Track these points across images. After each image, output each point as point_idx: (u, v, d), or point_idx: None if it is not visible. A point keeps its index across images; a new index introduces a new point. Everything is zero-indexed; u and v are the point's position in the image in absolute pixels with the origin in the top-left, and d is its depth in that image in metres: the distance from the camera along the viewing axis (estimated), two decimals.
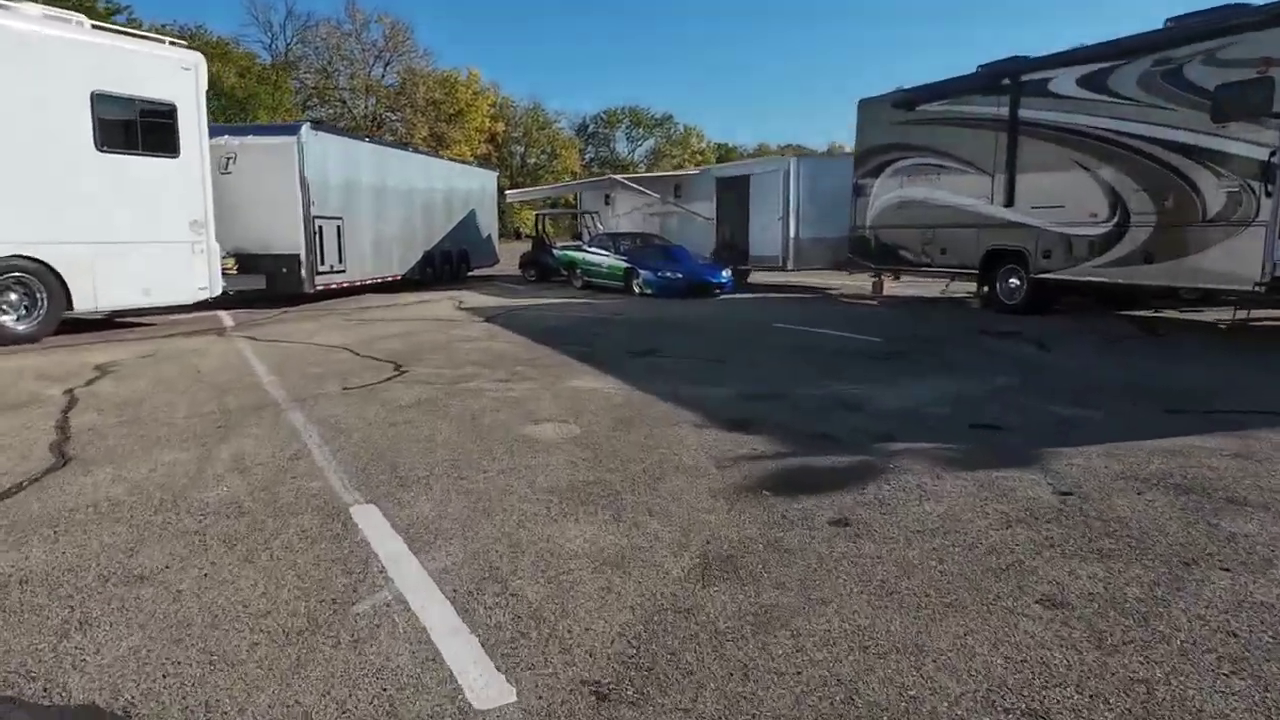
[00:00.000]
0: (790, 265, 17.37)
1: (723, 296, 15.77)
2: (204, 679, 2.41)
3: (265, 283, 13.97)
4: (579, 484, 4.21)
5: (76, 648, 2.58)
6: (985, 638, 2.61)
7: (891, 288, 16.43)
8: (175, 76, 10.90)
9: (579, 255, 18.34)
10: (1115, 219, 10.32)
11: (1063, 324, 10.81)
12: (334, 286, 15.13)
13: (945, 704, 2.26)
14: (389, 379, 7.17)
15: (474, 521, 3.68)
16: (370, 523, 3.66)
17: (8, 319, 9.50)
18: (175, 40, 11.32)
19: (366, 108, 56.97)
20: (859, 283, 18.08)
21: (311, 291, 14.40)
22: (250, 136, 14.54)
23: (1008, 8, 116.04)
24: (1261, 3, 8.87)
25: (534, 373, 7.44)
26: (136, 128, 10.55)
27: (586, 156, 79.12)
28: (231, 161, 13.91)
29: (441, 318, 12.38)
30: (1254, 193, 8.73)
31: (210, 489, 4.17)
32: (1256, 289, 8.77)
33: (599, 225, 22.42)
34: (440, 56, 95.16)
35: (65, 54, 9.69)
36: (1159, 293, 11.31)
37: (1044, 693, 2.31)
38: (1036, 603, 2.85)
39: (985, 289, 12.87)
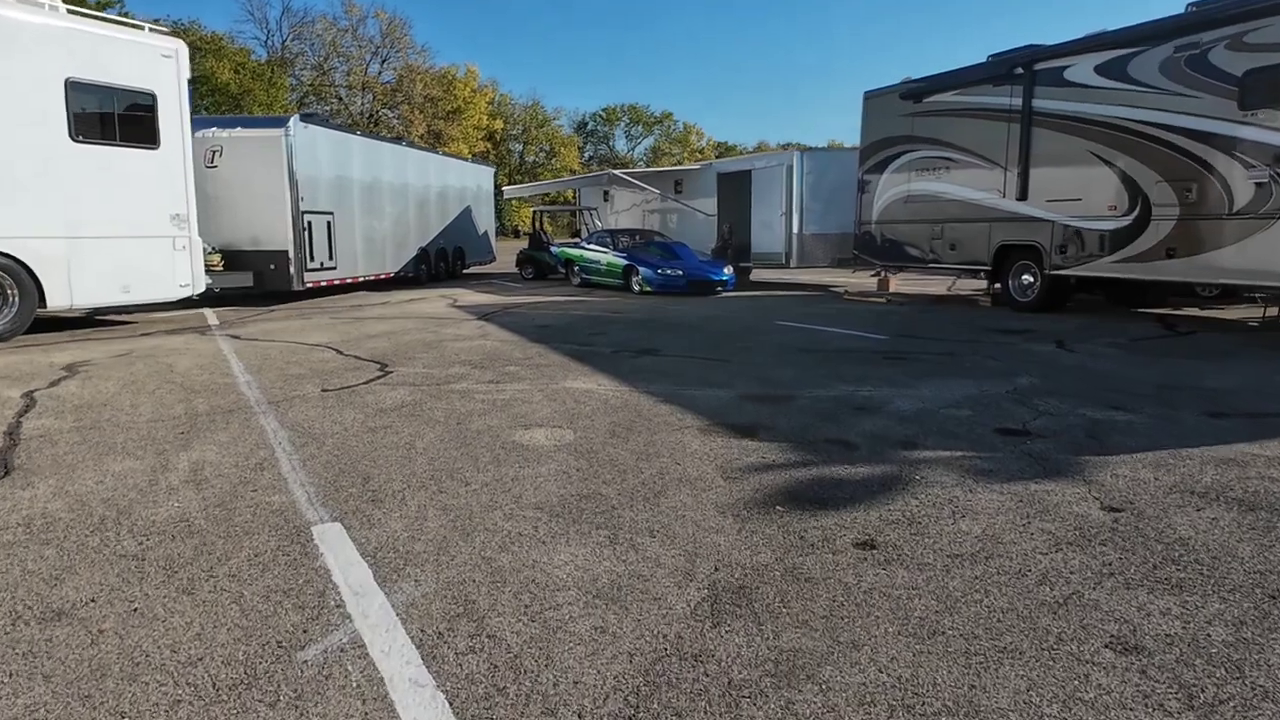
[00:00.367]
0: (793, 262, 16.93)
1: (724, 294, 15.34)
2: None
3: (253, 280, 13.56)
4: (571, 498, 3.78)
5: None
6: (1052, 693, 2.18)
7: (897, 285, 15.99)
8: (155, 64, 10.46)
9: (577, 252, 17.90)
10: (1136, 212, 9.88)
11: (1080, 322, 10.37)
12: (324, 284, 14.68)
13: None
14: (372, 380, 6.74)
15: (451, 543, 3.25)
16: (333, 545, 3.23)
17: None
18: (155, 27, 10.87)
19: (363, 105, 56.49)
20: (862, 280, 17.66)
21: (301, 289, 13.96)
22: (238, 129, 14.08)
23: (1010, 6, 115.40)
24: None
25: (527, 373, 7.01)
26: (114, 117, 10.11)
27: (585, 154, 78.67)
28: (218, 154, 13.49)
29: (433, 316, 11.95)
30: None
31: (160, 504, 3.74)
32: None
33: (597, 222, 21.97)
34: (438, 53, 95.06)
35: (38, 40, 9.25)
36: (1176, 289, 10.92)
37: None
38: (1106, 647, 2.42)
39: (996, 286, 12.43)
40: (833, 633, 2.52)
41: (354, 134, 17.09)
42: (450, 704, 2.16)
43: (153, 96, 10.37)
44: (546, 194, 30.61)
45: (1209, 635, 2.48)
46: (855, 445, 4.66)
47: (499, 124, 65.51)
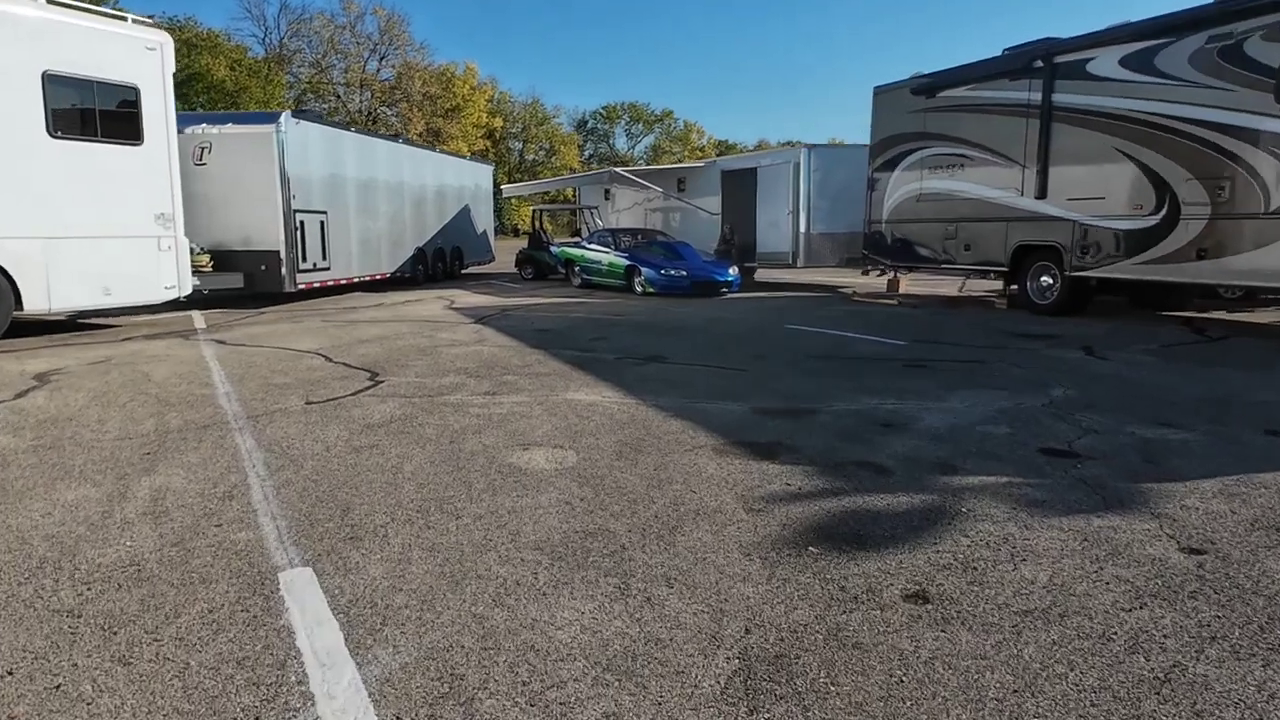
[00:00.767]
0: (800, 262, 16.49)
1: (729, 296, 14.90)
2: None
3: (243, 281, 13.12)
4: (575, 536, 3.35)
5: None
6: None
7: (907, 286, 15.54)
8: (139, 57, 10.01)
9: (578, 252, 17.44)
10: (1164, 211, 9.43)
11: (1104, 326, 9.94)
12: (317, 285, 14.24)
13: None
14: (360, 391, 6.30)
15: (438, 595, 2.81)
16: (301, 597, 2.79)
17: None
18: (139, 19, 10.42)
19: (361, 102, 56.00)
20: (869, 281, 17.23)
21: (293, 290, 13.51)
22: (228, 125, 13.62)
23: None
24: None
25: (526, 383, 6.57)
26: (95, 113, 9.67)
27: (585, 153, 78.18)
28: (206, 151, 13.04)
29: (429, 319, 11.51)
30: None
31: (111, 543, 3.30)
32: None
33: (599, 221, 21.51)
34: (437, 50, 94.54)
35: (13, 31, 8.81)
36: (1200, 290, 10.50)
37: None
38: None
39: (1013, 287, 12.00)
40: None
41: (349, 131, 16.62)
42: None
43: (136, 91, 9.93)
44: (546, 192, 30.14)
45: None
46: (888, 469, 4.22)
47: (498, 122, 64.98)
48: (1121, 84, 9.82)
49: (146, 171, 10.11)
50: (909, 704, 2.16)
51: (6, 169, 8.82)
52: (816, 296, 15.34)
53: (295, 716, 2.12)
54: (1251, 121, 8.52)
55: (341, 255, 14.92)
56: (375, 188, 16.37)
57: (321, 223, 14.21)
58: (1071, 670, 2.31)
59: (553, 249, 19.28)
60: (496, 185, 26.94)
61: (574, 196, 27.84)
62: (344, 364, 7.55)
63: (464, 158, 24.97)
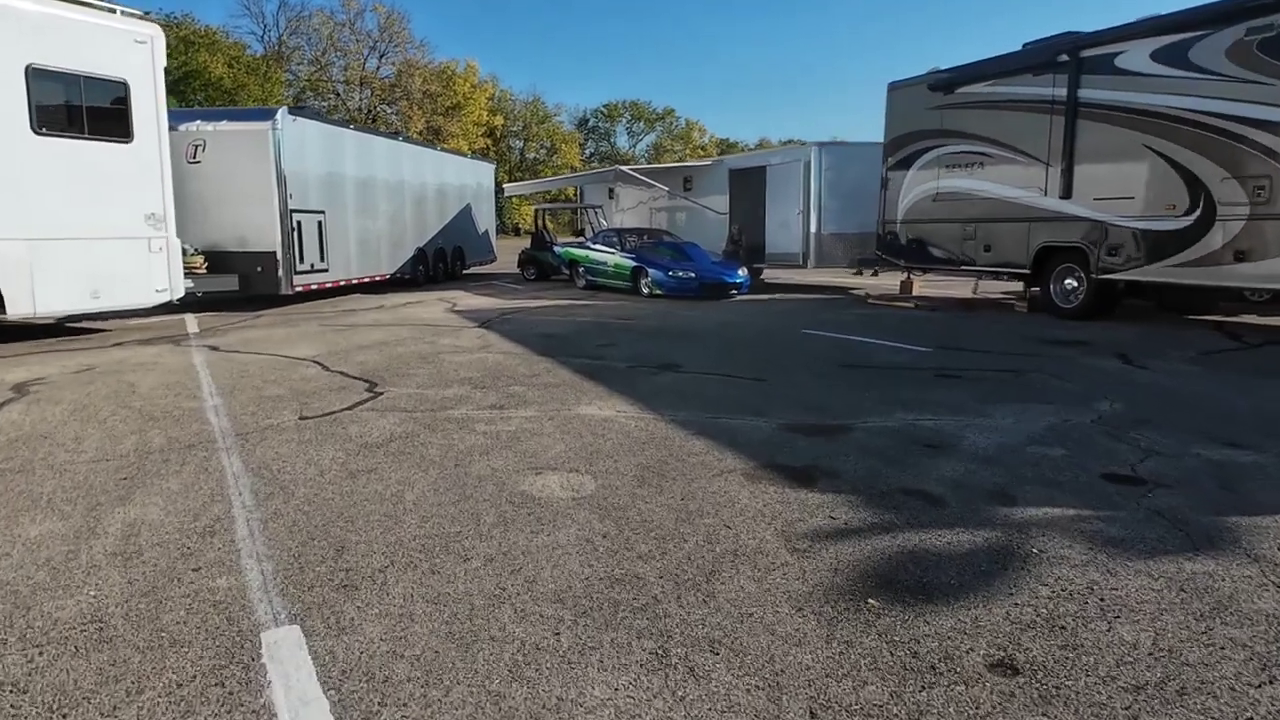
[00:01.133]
0: (811, 263, 16.07)
1: (739, 298, 14.49)
2: None
3: (238, 283, 12.70)
4: (600, 583, 2.95)
5: None
6: None
7: (919, 288, 15.13)
8: (128, 51, 9.62)
9: (582, 253, 17.02)
10: (1198, 212, 9.02)
11: (1134, 331, 9.53)
12: (315, 287, 13.82)
13: None
14: (358, 404, 5.90)
15: (445, 664, 2.42)
16: (286, 667, 2.40)
17: None
18: (129, 11, 10.01)
19: (361, 100, 55.54)
20: (880, 282, 16.83)
21: (289, 293, 13.11)
22: (222, 122, 13.22)
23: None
24: None
25: (535, 395, 6.17)
26: (81, 108, 9.27)
27: (587, 151, 77.73)
28: (201, 149, 12.64)
29: (430, 322, 11.10)
30: None
31: (73, 591, 2.91)
32: None
33: (602, 221, 21.09)
34: (437, 48, 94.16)
35: None
36: (1228, 294, 10.14)
37: None
38: None
39: (1034, 290, 11.60)
40: None
41: (347, 128, 16.19)
42: None
43: (125, 86, 9.54)
44: (548, 191, 29.71)
45: None
46: (941, 500, 3.82)
47: (499, 120, 64.51)
48: (1153, 79, 9.41)
49: (136, 170, 9.71)
50: None
51: None
52: (827, 299, 14.94)
53: None
54: None
55: (340, 256, 14.51)
56: (374, 187, 15.96)
57: (319, 223, 13.80)
58: None
59: (556, 249, 18.87)
60: (498, 184, 26.53)
61: (575, 195, 27.41)
62: (341, 373, 7.14)
63: (465, 156, 24.54)
